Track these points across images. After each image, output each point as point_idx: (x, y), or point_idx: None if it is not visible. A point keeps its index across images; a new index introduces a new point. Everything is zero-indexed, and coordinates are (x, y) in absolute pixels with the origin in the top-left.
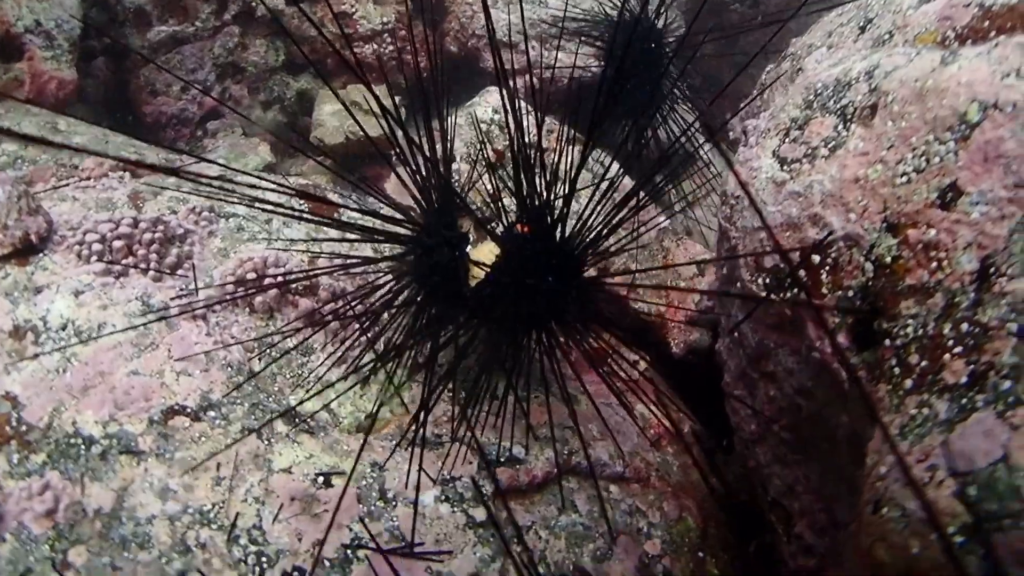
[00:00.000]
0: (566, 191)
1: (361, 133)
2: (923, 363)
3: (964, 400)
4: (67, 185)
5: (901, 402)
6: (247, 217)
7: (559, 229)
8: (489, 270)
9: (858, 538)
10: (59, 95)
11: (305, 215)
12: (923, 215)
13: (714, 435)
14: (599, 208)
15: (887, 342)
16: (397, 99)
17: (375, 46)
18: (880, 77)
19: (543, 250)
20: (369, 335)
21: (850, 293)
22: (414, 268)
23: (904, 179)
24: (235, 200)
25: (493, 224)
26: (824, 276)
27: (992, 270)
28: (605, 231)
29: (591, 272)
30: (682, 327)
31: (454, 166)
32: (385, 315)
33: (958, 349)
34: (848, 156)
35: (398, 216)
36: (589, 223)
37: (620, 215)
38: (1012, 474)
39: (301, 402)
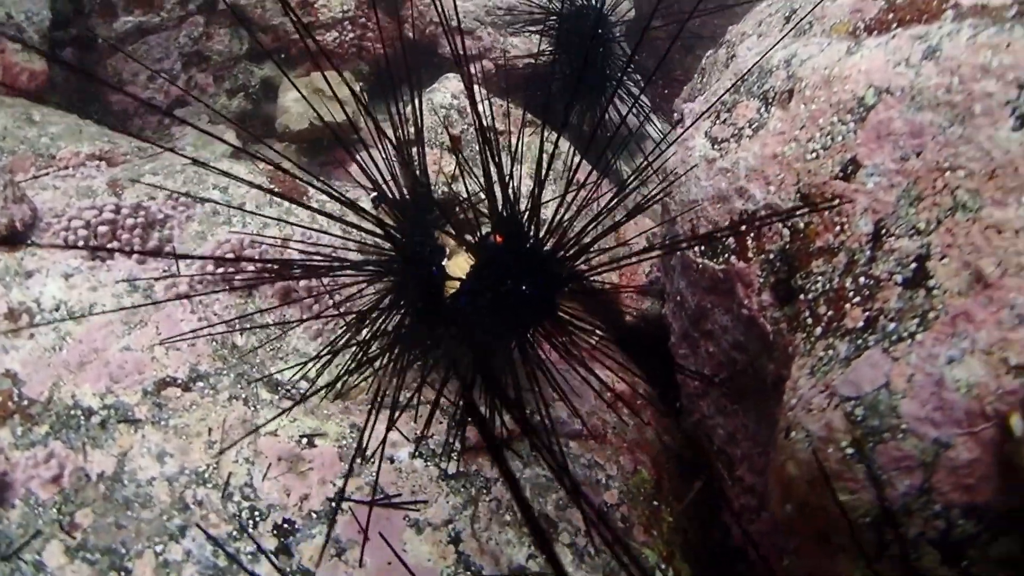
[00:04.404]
0: (533, 202)
1: (326, 118)
2: (829, 312)
3: (860, 341)
4: (47, 174)
5: (812, 346)
6: (221, 202)
7: (531, 235)
8: (464, 280)
9: (774, 460)
10: (31, 86)
11: (275, 200)
12: (829, 186)
13: (666, 396)
14: (565, 214)
15: (802, 296)
16: (359, 85)
17: (336, 33)
18: (796, 65)
19: (516, 257)
20: (346, 319)
21: (771, 256)
22: (391, 277)
23: (813, 155)
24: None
25: (468, 235)
26: (750, 241)
27: (883, 231)
28: (573, 237)
29: (566, 270)
30: (634, 296)
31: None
32: (360, 303)
33: (856, 299)
34: (768, 136)
35: (375, 228)
36: (558, 228)
37: (589, 222)
38: (891, 396)
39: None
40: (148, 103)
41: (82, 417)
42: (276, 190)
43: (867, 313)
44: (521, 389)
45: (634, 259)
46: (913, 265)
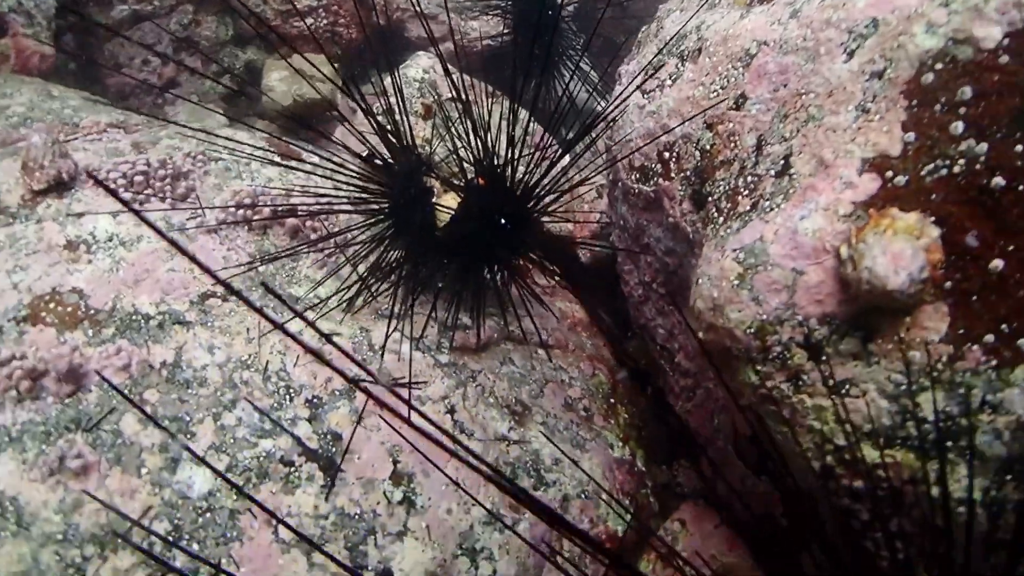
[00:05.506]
0: (511, 153)
1: (307, 96)
2: (728, 205)
3: (747, 218)
4: (76, 139)
5: (717, 231)
6: (232, 160)
7: (508, 180)
8: (454, 213)
9: (690, 302)
10: (41, 67)
11: (276, 159)
12: (726, 116)
13: (619, 325)
14: (534, 166)
15: (710, 199)
16: (335, 66)
17: (311, 20)
18: (704, 30)
19: (496, 196)
20: (347, 254)
21: (688, 173)
22: (390, 216)
23: (715, 94)
24: (220, 147)
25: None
26: (672, 165)
27: (763, 142)
28: (541, 183)
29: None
30: (588, 241)
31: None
32: (360, 236)
33: (745, 192)
34: (683, 83)
35: (371, 173)
36: (529, 177)
37: (552, 172)
38: (764, 244)
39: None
40: (163, 90)
41: (142, 321)
42: (275, 153)
43: (752, 200)
44: (504, 304)
45: (586, 183)
46: (782, 162)
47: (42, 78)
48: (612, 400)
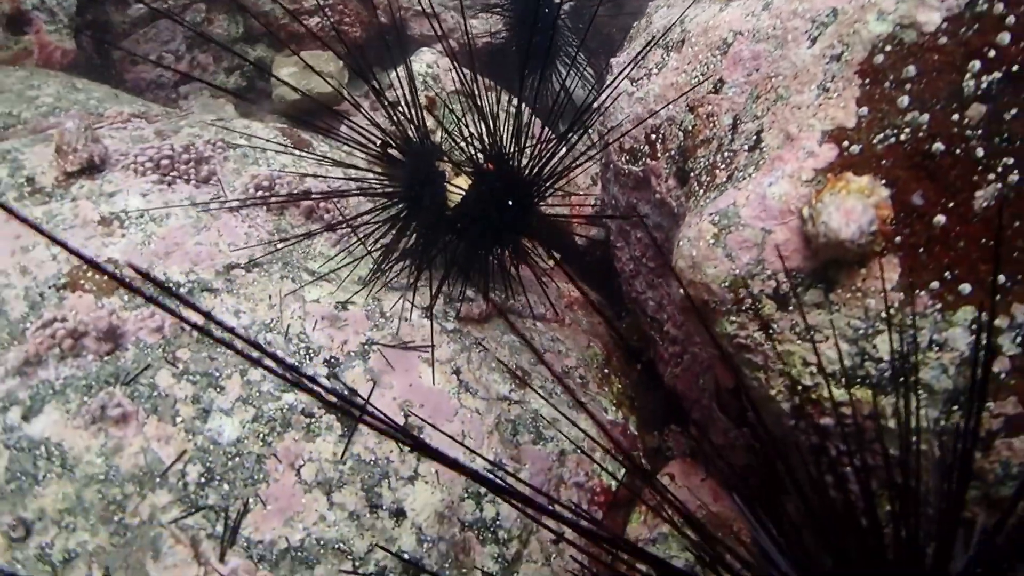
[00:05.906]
0: (517, 142)
1: (316, 90)
2: (707, 178)
3: (723, 188)
4: (101, 127)
5: (698, 202)
6: (249, 147)
7: (513, 163)
8: (465, 194)
9: (673, 264)
10: (63, 63)
11: (293, 149)
12: (706, 99)
13: (614, 305)
14: (539, 154)
15: (692, 175)
16: (341, 64)
17: (318, 19)
18: (687, 22)
19: (503, 179)
20: (364, 232)
21: (673, 152)
22: (405, 196)
23: (696, 80)
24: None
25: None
26: (659, 145)
27: (738, 121)
28: (544, 170)
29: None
30: (583, 224)
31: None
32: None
33: (723, 166)
34: (668, 71)
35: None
36: (532, 163)
37: (555, 159)
38: (736, 208)
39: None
40: (188, 75)
41: (173, 288)
42: (287, 142)
43: (728, 172)
44: (509, 278)
45: (579, 166)
46: (754, 137)
47: (64, 73)
48: (606, 371)
